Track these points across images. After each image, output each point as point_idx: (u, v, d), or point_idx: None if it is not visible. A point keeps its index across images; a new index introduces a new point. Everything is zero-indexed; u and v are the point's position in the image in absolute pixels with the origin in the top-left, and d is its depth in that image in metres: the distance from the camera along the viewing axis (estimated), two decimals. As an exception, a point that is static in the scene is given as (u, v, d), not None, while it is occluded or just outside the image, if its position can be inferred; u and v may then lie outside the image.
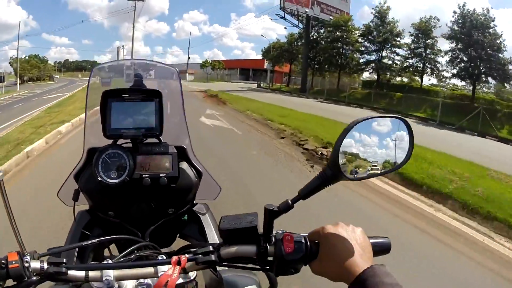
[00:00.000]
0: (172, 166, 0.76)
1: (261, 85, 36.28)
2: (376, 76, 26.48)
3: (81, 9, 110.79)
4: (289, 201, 0.54)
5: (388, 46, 24.84)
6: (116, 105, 0.76)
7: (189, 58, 53.01)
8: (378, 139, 0.57)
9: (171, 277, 0.51)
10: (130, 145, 0.79)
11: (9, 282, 0.50)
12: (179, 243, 0.84)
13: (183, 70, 50.30)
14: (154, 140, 0.80)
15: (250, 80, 49.59)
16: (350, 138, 0.54)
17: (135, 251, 0.66)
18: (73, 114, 8.61)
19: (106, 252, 0.81)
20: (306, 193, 0.54)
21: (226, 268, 0.60)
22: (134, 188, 0.75)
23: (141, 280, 0.59)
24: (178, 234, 0.87)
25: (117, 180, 0.73)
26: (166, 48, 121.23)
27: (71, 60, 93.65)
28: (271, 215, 0.54)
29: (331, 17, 29.14)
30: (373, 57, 26.17)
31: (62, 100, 15.62)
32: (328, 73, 29.68)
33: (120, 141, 0.78)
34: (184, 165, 0.80)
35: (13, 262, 0.49)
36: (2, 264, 0.49)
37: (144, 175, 0.74)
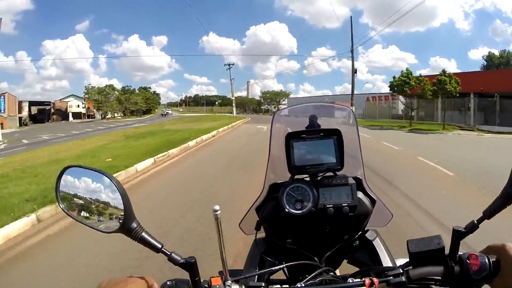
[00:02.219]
0: (352, 196, 0.80)
1: None
2: None
3: (216, 52, 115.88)
4: (475, 221, 0.58)
5: None
6: (297, 144, 0.83)
7: (355, 72, 29.08)
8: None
9: None
10: (308, 178, 0.84)
11: None
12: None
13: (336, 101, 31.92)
14: (329, 173, 0.84)
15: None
16: None
17: (317, 276, 0.70)
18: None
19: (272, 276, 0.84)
20: (490, 212, 0.58)
21: None
22: (316, 217, 0.80)
23: None
24: (346, 259, 0.90)
25: (302, 211, 0.79)
26: (298, 85, 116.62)
27: (201, 95, 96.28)
28: (458, 236, 0.58)
29: None
30: None
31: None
32: None
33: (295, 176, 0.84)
34: (360, 194, 0.83)
35: (217, 287, 0.58)
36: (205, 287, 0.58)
37: (327, 205, 0.79)
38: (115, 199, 0.58)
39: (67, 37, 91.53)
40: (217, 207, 0.57)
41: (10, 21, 79.01)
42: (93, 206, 0.60)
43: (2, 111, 39.88)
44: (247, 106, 74.44)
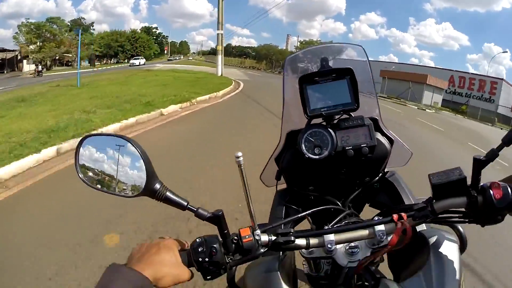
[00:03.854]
0: (370, 136, 0.79)
1: None
2: None
3: (260, 4, 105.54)
4: (494, 149, 0.57)
5: None
6: (311, 88, 0.80)
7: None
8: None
9: (405, 225, 0.57)
10: (324, 123, 0.82)
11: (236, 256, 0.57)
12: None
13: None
14: (345, 115, 0.82)
15: None
16: None
17: (342, 219, 0.71)
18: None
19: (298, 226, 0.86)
20: (508, 139, 0.56)
21: (424, 225, 0.67)
22: (336, 161, 0.78)
23: (351, 244, 0.63)
24: (368, 204, 0.90)
25: (322, 155, 0.77)
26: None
27: (235, 45, 78.44)
28: (479, 165, 0.56)
29: None
30: None
31: None
32: None
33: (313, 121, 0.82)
34: (378, 135, 0.82)
35: (246, 237, 0.57)
36: (234, 240, 0.57)
37: (347, 148, 0.77)
38: (137, 162, 0.57)
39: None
40: (239, 154, 0.53)
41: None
42: (114, 173, 0.58)
43: None
44: (274, 59, 53.17)
